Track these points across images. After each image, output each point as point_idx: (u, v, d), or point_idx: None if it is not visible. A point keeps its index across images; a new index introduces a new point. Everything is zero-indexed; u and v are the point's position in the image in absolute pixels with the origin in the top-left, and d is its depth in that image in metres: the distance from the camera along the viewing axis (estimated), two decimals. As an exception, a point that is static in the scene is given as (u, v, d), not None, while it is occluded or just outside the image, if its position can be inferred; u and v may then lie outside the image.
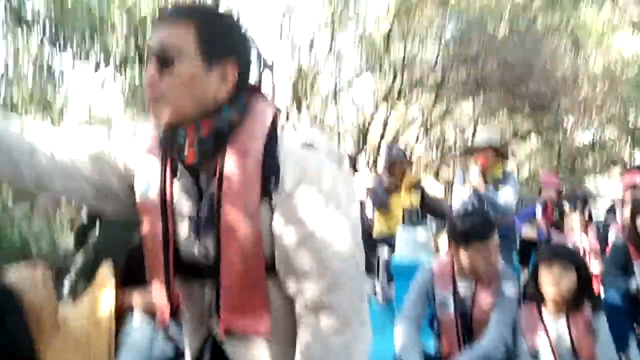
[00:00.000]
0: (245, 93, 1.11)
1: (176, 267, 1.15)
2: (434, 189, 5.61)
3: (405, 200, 4.61)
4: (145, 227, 1.16)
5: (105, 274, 2.00)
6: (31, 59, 4.20)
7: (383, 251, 4.60)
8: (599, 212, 8.24)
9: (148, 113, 1.09)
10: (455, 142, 14.51)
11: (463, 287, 2.38)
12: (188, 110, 1.05)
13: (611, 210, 5.05)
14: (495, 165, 3.88)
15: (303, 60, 9.39)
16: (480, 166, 3.79)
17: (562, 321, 2.16)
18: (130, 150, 1.19)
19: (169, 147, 1.10)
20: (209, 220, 1.09)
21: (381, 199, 4.64)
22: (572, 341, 2.13)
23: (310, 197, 1.05)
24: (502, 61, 10.85)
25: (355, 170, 11.57)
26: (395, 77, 11.38)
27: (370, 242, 4.83)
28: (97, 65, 4.40)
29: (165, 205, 1.13)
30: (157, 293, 1.18)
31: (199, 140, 1.05)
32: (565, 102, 12.77)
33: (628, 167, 15.16)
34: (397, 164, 4.60)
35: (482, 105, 13.32)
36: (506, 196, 3.77)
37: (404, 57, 11.13)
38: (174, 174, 1.13)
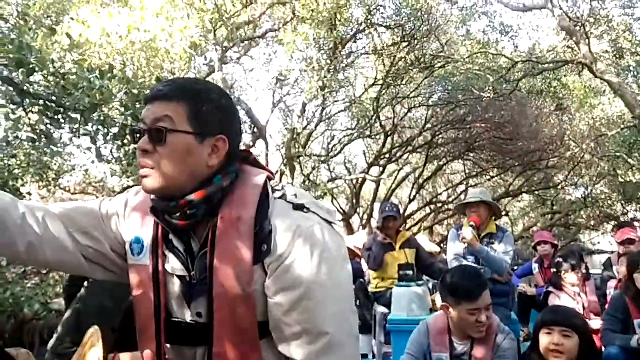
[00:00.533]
0: (236, 160, 1.15)
1: (167, 332, 1.15)
2: (429, 246, 5.63)
3: (400, 257, 4.63)
4: (136, 290, 1.16)
5: (93, 336, 1.97)
6: (29, 130, 4.28)
7: (379, 309, 4.56)
8: (595, 266, 8.22)
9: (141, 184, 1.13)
10: (448, 199, 14.64)
11: (459, 345, 2.35)
12: (180, 182, 1.08)
13: (607, 264, 5.06)
14: (489, 221, 3.92)
15: (296, 124, 9.63)
16: (474, 222, 3.80)
17: None
18: (123, 214, 1.21)
19: (161, 213, 1.12)
20: (201, 283, 1.09)
21: (376, 257, 4.66)
22: None
23: (302, 261, 1.05)
24: (490, 122, 11.16)
25: (350, 229, 11.61)
26: (386, 138, 11.64)
27: (367, 300, 4.82)
28: (95, 136, 4.49)
29: (157, 268, 1.14)
30: (147, 357, 1.16)
31: (191, 205, 1.08)
32: (554, 160, 13.02)
33: (621, 221, 15.29)
34: (391, 220, 4.66)
35: (473, 164, 13.56)
36: (502, 252, 3.78)
37: (393, 120, 11.43)
38: (165, 238, 1.15)
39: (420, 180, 13.42)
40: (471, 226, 3.78)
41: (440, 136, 11.95)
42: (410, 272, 4.26)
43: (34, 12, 5.13)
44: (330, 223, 1.13)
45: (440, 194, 14.93)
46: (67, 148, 5.26)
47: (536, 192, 15.31)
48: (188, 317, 1.14)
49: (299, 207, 1.11)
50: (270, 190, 1.13)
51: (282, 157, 9.98)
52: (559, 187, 14.86)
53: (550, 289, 4.04)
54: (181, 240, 1.13)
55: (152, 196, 1.12)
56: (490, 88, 10.55)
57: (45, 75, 3.81)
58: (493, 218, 4.02)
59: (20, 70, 3.60)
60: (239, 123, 1.20)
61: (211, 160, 1.10)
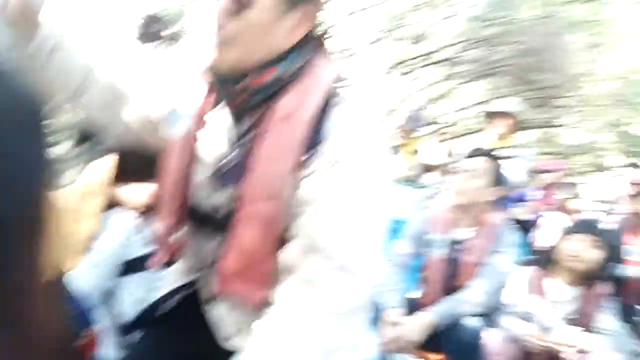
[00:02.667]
0: (309, 46, 1.02)
1: (188, 212, 1.09)
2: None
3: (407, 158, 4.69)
4: (168, 163, 1.09)
5: (105, 163, 1.95)
6: None
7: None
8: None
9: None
10: (455, 121, 14.49)
11: (457, 232, 2.37)
12: (256, 57, 0.97)
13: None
14: (510, 135, 3.89)
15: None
16: (496, 134, 3.78)
17: (575, 292, 2.18)
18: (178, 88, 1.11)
19: (221, 88, 1.03)
20: (236, 169, 1.00)
21: None
22: (577, 313, 2.16)
23: (349, 173, 0.95)
24: (519, 46, 10.74)
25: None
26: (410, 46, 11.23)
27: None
28: None
29: (195, 142, 1.06)
30: (162, 233, 1.11)
31: (256, 88, 0.98)
32: (570, 99, 12.76)
33: (618, 175, 15.35)
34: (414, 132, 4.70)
35: (491, 89, 13.24)
36: (513, 167, 3.74)
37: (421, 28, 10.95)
38: (213, 111, 1.06)
39: (432, 97, 13.16)
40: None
41: (466, 52, 11.52)
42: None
43: None
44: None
45: (449, 114, 14.72)
46: None
47: (543, 130, 15.16)
48: (209, 204, 1.07)
49: (358, 117, 1.00)
50: (335, 92, 1.01)
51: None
52: (566, 127, 14.69)
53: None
54: (232, 119, 1.04)
55: (222, 71, 0.99)
56: (529, 10, 9.99)
57: None
58: (514, 131, 3.96)
59: None
60: None
61: (295, 32, 0.98)
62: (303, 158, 0.96)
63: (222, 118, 1.05)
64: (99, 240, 1.84)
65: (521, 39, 10.51)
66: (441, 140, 14.63)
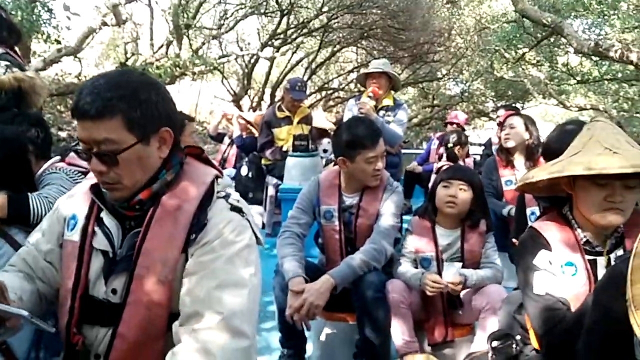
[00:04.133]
0: (178, 150, 1.20)
1: (82, 308, 1.17)
2: (323, 122, 5.69)
3: (296, 130, 4.65)
4: (63, 265, 1.21)
5: None
6: None
7: (271, 180, 4.63)
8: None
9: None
10: (339, 86, 14.80)
11: (348, 198, 2.38)
12: (141, 183, 1.14)
13: (488, 144, 5.66)
14: (388, 94, 3.93)
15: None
16: (373, 93, 3.78)
17: (456, 233, 2.27)
18: (66, 199, 1.29)
19: (112, 206, 1.18)
20: (124, 261, 1.13)
21: (268, 135, 4.67)
22: (462, 252, 2.24)
23: (225, 252, 1.11)
24: (385, 9, 11.14)
25: (240, 111, 11.38)
26: (282, 18, 11.18)
27: (259, 172, 4.86)
28: None
29: (84, 244, 1.18)
30: (62, 330, 1.20)
31: (140, 203, 1.15)
32: (440, 54, 13.57)
33: (490, 117, 16.70)
34: (297, 101, 4.64)
35: (365, 54, 13.67)
36: (396, 123, 3.86)
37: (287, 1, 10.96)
38: (98, 215, 1.20)
39: (313, 65, 13.31)
40: (369, 97, 3.77)
41: (336, 20, 11.74)
42: (305, 143, 4.30)
43: None
44: (257, 237, 1.20)
45: (332, 80, 15.01)
46: None
47: (420, 85, 16.05)
48: (103, 293, 1.16)
49: (236, 209, 1.18)
50: (215, 189, 1.19)
51: (168, 26, 9.19)
52: (441, 81, 15.67)
53: (444, 161, 4.36)
54: (116, 218, 1.18)
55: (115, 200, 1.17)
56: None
57: None
58: (392, 91, 4.04)
59: None
60: (175, 109, 1.20)
61: (162, 152, 1.15)
62: (185, 242, 1.12)
63: (109, 218, 1.19)
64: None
65: (385, 2, 10.86)
66: (329, 107, 14.92)
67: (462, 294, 2.20)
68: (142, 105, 1.09)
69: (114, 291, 1.15)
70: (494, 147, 5.07)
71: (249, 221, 1.19)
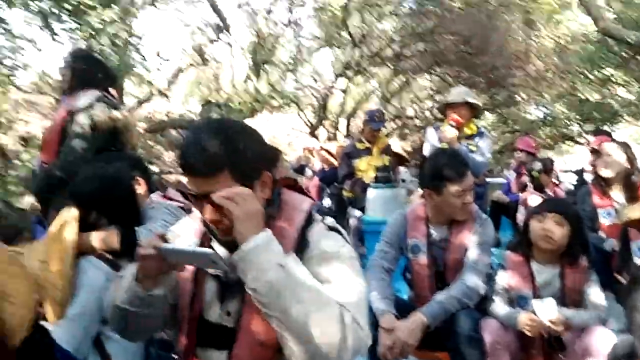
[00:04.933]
0: (279, 189, 1.31)
1: (198, 330, 1.26)
2: (401, 151, 5.66)
3: (377, 161, 4.67)
4: (180, 289, 1.30)
5: (69, 216, 1.88)
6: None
7: (353, 212, 4.64)
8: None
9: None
10: (414, 114, 14.69)
11: (436, 232, 2.32)
12: None
13: (580, 172, 5.36)
14: (469, 122, 3.79)
15: (262, 26, 9.22)
16: (454, 123, 3.66)
17: (554, 270, 2.16)
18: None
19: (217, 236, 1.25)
20: (236, 285, 1.20)
21: (349, 166, 4.70)
22: (563, 291, 2.13)
23: (333, 262, 1.21)
24: (458, 35, 11.00)
25: (317, 140, 11.59)
26: (354, 49, 11.36)
27: (341, 204, 4.89)
28: (49, 14, 4.14)
29: (198, 269, 1.27)
30: (179, 353, 1.30)
31: None
32: (518, 77, 13.13)
33: (577, 141, 15.86)
34: (377, 132, 4.67)
35: (439, 80, 13.51)
36: (480, 152, 3.71)
37: (362, 30, 11.13)
38: (210, 240, 1.28)
39: (387, 94, 13.34)
40: (451, 125, 3.65)
41: (408, 48, 11.75)
42: (386, 174, 4.30)
43: None
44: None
45: (406, 108, 14.94)
46: (19, 33, 4.86)
47: (498, 111, 15.55)
48: (217, 316, 1.25)
49: (333, 229, 1.29)
50: (313, 215, 1.30)
51: (247, 62, 9.61)
52: (521, 105, 15.11)
53: (529, 190, 4.19)
54: (224, 246, 1.24)
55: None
56: (461, -1, 10.30)
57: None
58: (473, 119, 3.90)
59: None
60: (268, 148, 1.30)
61: (264, 194, 1.23)
62: None
63: (218, 245, 1.26)
64: (76, 290, 1.78)
65: (458, 28, 10.74)
66: (405, 135, 14.83)
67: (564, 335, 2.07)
68: (245, 156, 1.17)
69: (228, 314, 1.23)
70: (587, 175, 4.80)
71: (346, 240, 1.28)
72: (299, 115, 12.71)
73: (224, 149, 1.15)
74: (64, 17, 4.07)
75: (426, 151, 3.84)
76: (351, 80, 12.13)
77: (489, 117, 16.99)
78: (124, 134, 2.80)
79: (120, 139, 2.80)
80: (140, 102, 6.91)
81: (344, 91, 11.95)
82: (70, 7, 3.96)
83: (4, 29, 4.21)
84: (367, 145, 4.78)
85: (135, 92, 7.64)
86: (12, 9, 3.91)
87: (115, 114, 2.79)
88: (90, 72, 2.89)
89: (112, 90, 3.04)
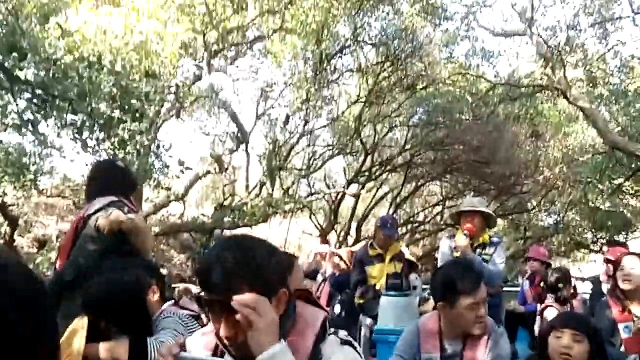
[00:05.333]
0: (294, 301, 1.32)
1: None
2: (408, 255, 5.64)
3: (389, 268, 4.64)
4: None
5: (80, 324, 1.92)
6: (16, 117, 4.20)
7: (365, 320, 4.54)
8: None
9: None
10: (424, 219, 14.77)
11: (450, 346, 2.28)
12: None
13: (596, 281, 5.25)
14: (483, 232, 3.77)
15: (278, 136, 9.69)
16: (468, 231, 3.65)
17: None
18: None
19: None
20: None
21: (360, 273, 4.69)
22: None
23: None
24: (467, 145, 11.39)
25: (327, 244, 11.60)
26: (366, 156, 11.77)
27: (352, 312, 4.80)
28: (81, 127, 4.41)
29: None
30: None
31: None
32: (528, 185, 13.34)
33: (591, 249, 15.66)
34: (389, 238, 4.70)
35: (450, 186, 13.77)
36: (494, 262, 3.67)
37: (374, 139, 11.60)
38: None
39: (398, 200, 13.54)
40: (465, 234, 3.63)
41: (419, 156, 12.14)
42: (398, 281, 4.25)
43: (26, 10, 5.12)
44: None
45: (417, 214, 15.06)
46: (50, 140, 5.17)
47: (510, 217, 15.60)
48: None
49: (346, 343, 1.31)
50: (326, 328, 1.32)
51: (262, 168, 9.97)
52: (532, 212, 15.17)
53: (549, 301, 4.11)
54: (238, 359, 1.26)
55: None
56: (470, 111, 10.82)
57: (37, 62, 3.77)
58: (487, 228, 3.87)
59: (12, 54, 3.56)
60: (285, 258, 1.35)
61: (279, 310, 1.24)
62: None
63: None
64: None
65: (467, 138, 11.16)
66: (415, 240, 14.74)
67: None
68: (264, 275, 1.20)
69: None
70: (603, 285, 4.69)
71: (360, 354, 1.30)
72: (310, 219, 12.87)
73: (245, 270, 1.19)
74: (95, 128, 4.33)
75: (440, 261, 3.81)
76: (363, 187, 12.40)
77: (500, 224, 17.02)
78: (131, 236, 2.77)
79: (130, 242, 2.77)
80: (158, 208, 7.12)
81: (356, 196, 12.17)
82: (102, 121, 4.23)
83: (38, 139, 4.49)
84: (379, 251, 4.79)
85: (152, 197, 7.90)
86: (47, 120, 4.19)
87: (119, 215, 2.73)
88: (109, 179, 2.96)
89: (131, 197, 3.09)
